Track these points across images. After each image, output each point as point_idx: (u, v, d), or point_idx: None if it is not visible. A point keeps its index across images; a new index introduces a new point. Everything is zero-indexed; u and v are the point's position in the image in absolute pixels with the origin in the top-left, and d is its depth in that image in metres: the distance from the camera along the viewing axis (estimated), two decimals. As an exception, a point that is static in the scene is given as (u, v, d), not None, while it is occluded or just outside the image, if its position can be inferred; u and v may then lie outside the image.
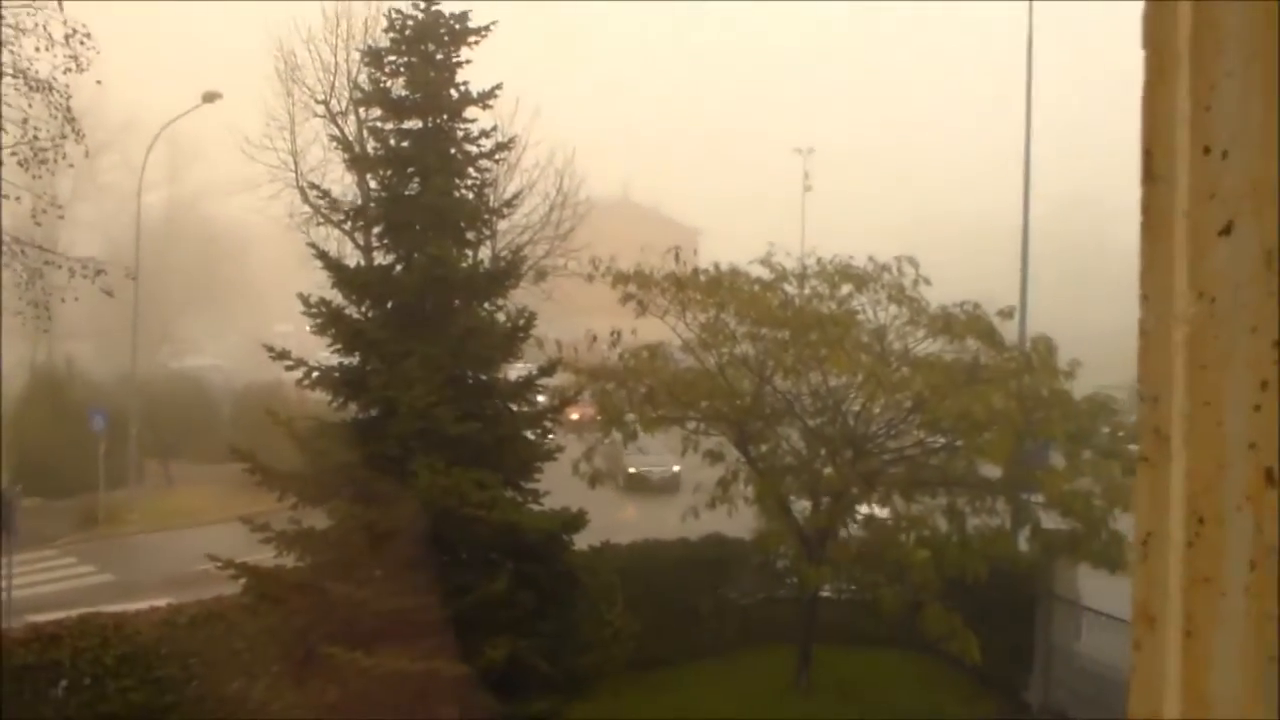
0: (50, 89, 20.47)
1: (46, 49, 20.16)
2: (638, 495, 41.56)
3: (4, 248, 20.79)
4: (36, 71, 20.44)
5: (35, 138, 20.67)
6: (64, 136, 21.16)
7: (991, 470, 23.87)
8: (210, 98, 45.41)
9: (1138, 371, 1.43)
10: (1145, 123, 1.38)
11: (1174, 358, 1.34)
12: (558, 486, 19.58)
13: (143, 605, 21.57)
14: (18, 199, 21.05)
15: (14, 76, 20.27)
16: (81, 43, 20.31)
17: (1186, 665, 1.35)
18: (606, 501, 25.00)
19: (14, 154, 20.58)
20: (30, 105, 20.52)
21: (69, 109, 21.01)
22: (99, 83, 21.57)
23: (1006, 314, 25.03)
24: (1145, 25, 1.37)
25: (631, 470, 44.77)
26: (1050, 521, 23.87)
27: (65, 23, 20.17)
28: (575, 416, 28.07)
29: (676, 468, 38.10)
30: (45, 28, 20.09)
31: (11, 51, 20.18)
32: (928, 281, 24.58)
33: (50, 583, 34.03)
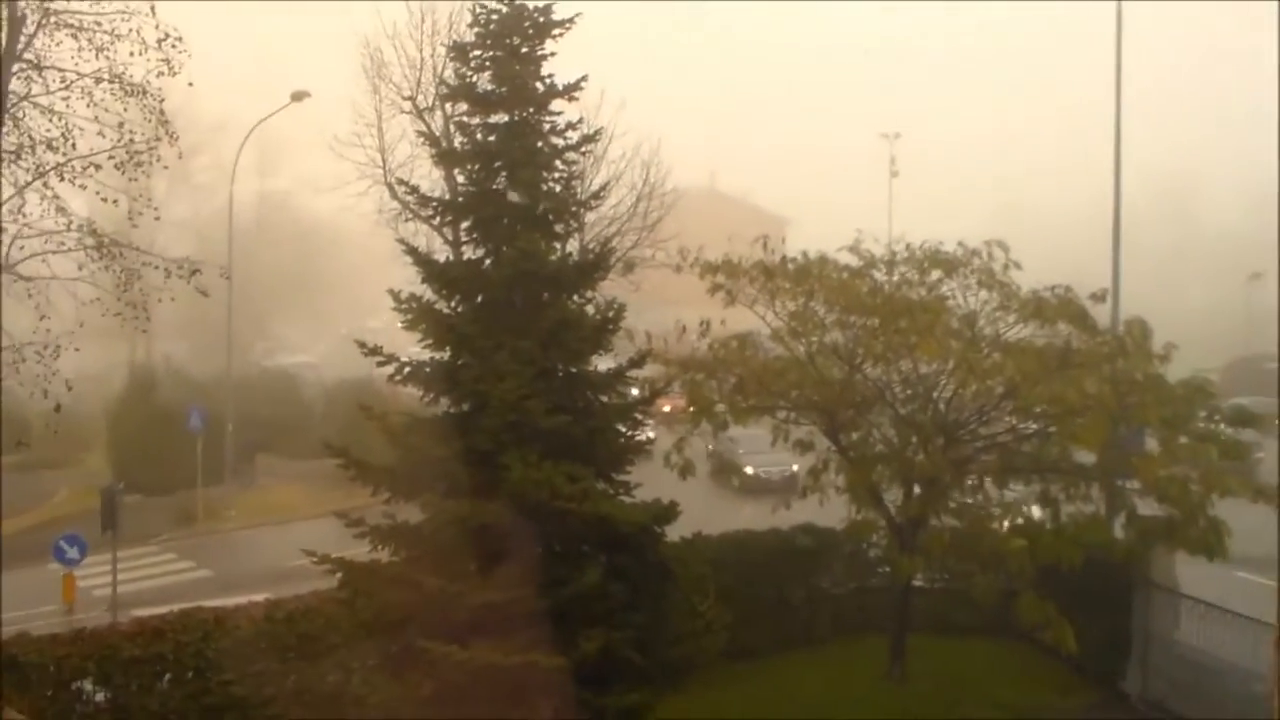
0: (144, 93, 20.81)
1: (141, 54, 20.48)
2: (754, 497, 40.20)
3: (103, 250, 21.13)
4: (131, 76, 20.78)
5: (131, 141, 21.02)
6: (158, 139, 21.50)
7: (1086, 456, 23.58)
8: (299, 97, 46.01)
9: None
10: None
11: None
12: (650, 480, 19.60)
13: (241, 600, 21.97)
14: (115, 202, 21.41)
15: (110, 81, 20.61)
16: (174, 46, 20.61)
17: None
18: (699, 494, 24.94)
19: (111, 158, 20.95)
20: (125, 109, 20.85)
21: (162, 112, 21.35)
22: (191, 85, 21.88)
23: (1099, 297, 24.69)
24: None
25: (749, 471, 44.56)
26: (1146, 508, 23.54)
27: (158, 27, 20.48)
28: (667, 409, 28.06)
29: (795, 467, 36.31)
30: (139, 32, 20.40)
31: (107, 57, 20.50)
32: (1018, 266, 24.32)
33: (151, 578, 34.75)
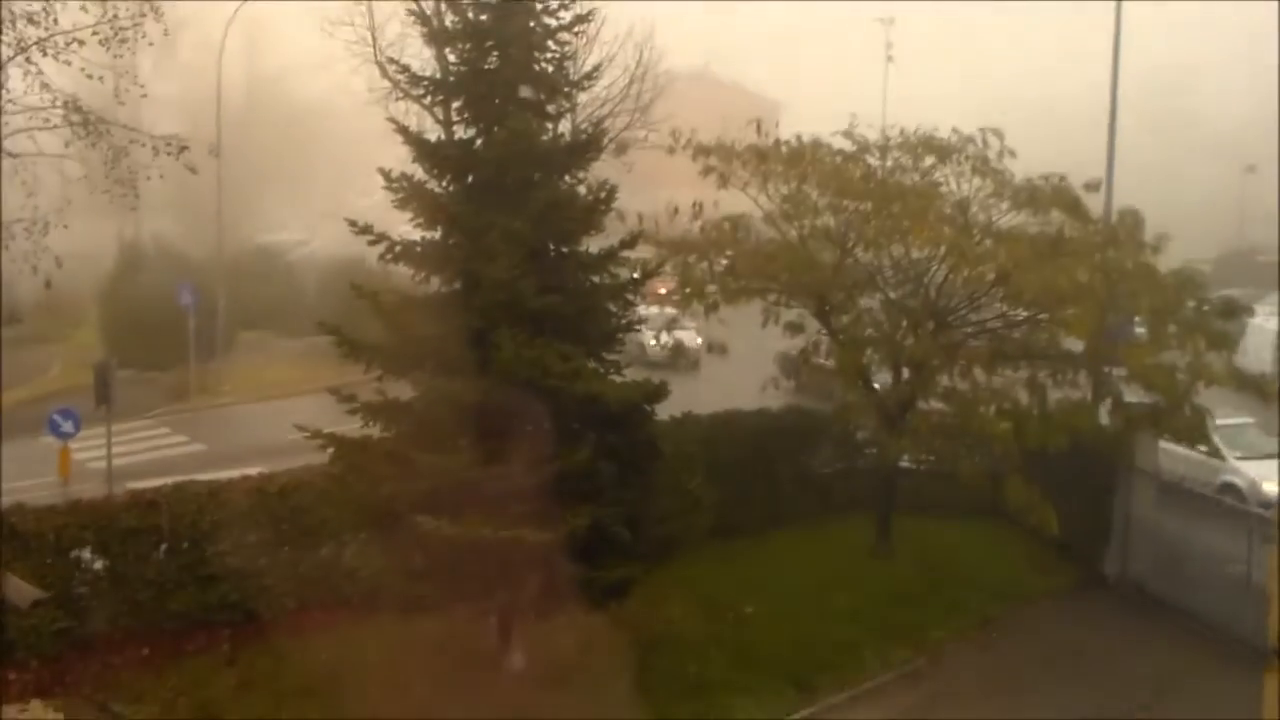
0: (126, -33, 20.52)
1: (125, -75, 20.20)
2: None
3: (90, 127, 20.94)
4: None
5: (115, 16, 20.76)
6: (143, 15, 21.23)
7: (1074, 344, 23.75)
8: (288, -28, 45.30)
9: None
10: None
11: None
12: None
13: (235, 474, 22.13)
14: (100, 79, 21.20)
15: (93, -44, 20.33)
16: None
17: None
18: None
19: (95, 33, 20.70)
20: (109, -18, 20.60)
21: (145, -15, 21.07)
22: (179, -41, 21.58)
23: (1093, 186, 24.72)
24: None
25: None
26: (1132, 395, 23.79)
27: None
28: (662, 291, 28.01)
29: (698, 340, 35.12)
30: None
31: (89, -67, 20.21)
32: (1013, 154, 24.28)
33: (146, 452, 34.95)
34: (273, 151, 67.38)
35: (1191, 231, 28.35)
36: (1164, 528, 24.12)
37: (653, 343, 32.72)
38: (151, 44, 23.13)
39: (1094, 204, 25.02)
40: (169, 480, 21.21)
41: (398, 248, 18.90)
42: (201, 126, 40.81)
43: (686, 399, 23.69)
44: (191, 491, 20.51)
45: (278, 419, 28.06)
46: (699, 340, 34.84)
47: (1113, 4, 30.87)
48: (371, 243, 18.94)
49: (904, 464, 26.07)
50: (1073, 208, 23.86)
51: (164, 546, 20.12)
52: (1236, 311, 24.68)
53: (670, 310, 27.63)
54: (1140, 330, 24.33)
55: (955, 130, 24.64)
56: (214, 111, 44.80)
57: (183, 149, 21.37)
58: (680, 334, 32.54)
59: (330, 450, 18.28)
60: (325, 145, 73.93)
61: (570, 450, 17.40)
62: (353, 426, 18.52)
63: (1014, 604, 23.76)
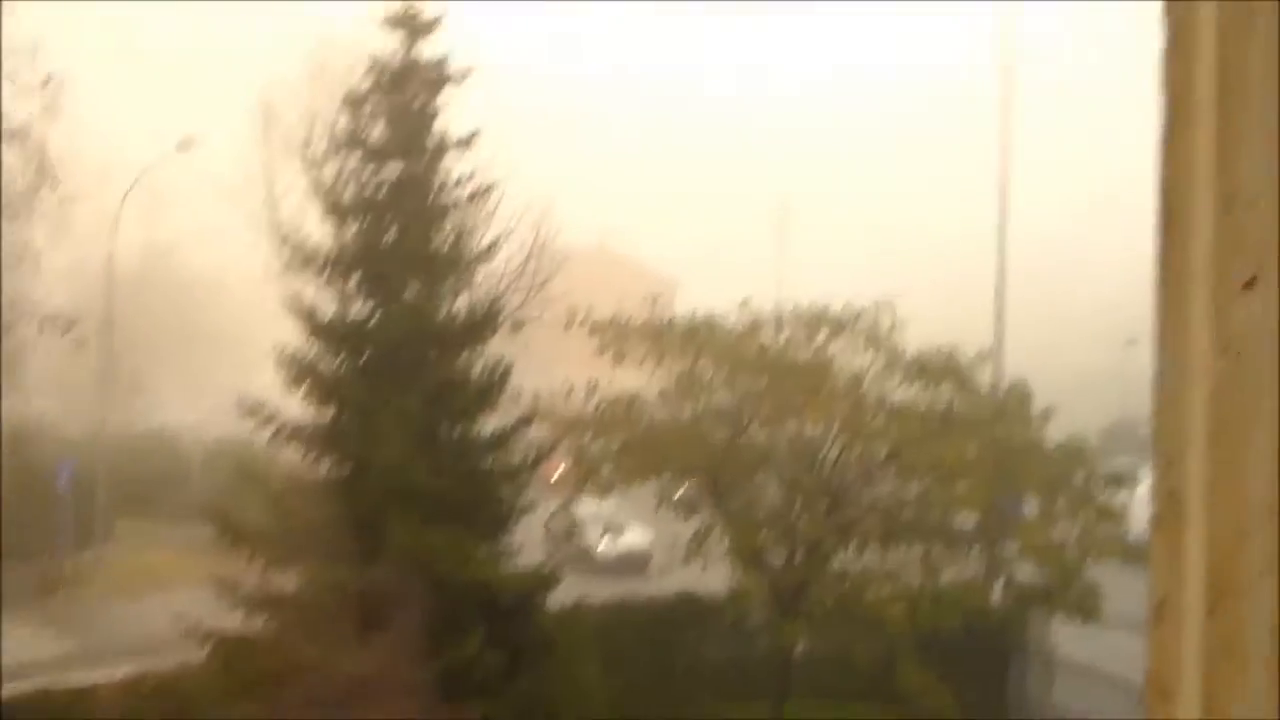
0: (25, 137, 20.38)
1: (22, 96, 20.09)
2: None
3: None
4: (11, 119, 20.34)
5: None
6: (39, 185, 21.06)
7: (966, 520, 23.83)
8: (186, 145, 45.26)
9: (1153, 430, 1.37)
10: (1164, 173, 1.32)
11: (1193, 417, 1.28)
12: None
13: (105, 674, 21.08)
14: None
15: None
16: (57, 90, 20.24)
17: (1205, 741, 1.28)
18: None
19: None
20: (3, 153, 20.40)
21: (44, 157, 20.90)
22: (74, 131, 21.48)
23: (982, 358, 25.08)
24: (1164, 71, 1.32)
25: (602, 549, 36.11)
26: (1025, 573, 23.85)
27: (41, 70, 20.10)
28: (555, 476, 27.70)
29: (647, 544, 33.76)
30: (18, 76, 20.02)
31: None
32: (904, 326, 24.58)
33: (9, 651, 33.37)
34: (164, 326, 66.65)
35: (1077, 404, 28.86)
36: (1064, 708, 24.00)
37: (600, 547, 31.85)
38: (46, 215, 22.90)
39: (985, 375, 25.37)
40: (32, 682, 20.05)
41: (288, 429, 18.59)
42: (93, 299, 40.33)
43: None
44: (50, 700, 19.34)
45: (156, 612, 27.09)
46: (648, 540, 33.56)
47: (997, 173, 31.91)
48: (261, 425, 18.62)
49: (799, 648, 25.76)
50: (962, 382, 24.15)
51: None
52: (1124, 483, 25.00)
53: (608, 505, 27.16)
54: (1030, 505, 24.51)
55: (848, 304, 24.96)
56: (106, 284, 44.24)
57: (71, 325, 21.01)
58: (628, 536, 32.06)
59: (209, 646, 17.63)
60: (218, 320, 73.33)
61: (461, 640, 16.96)
62: (235, 619, 17.91)
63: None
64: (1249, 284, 1.23)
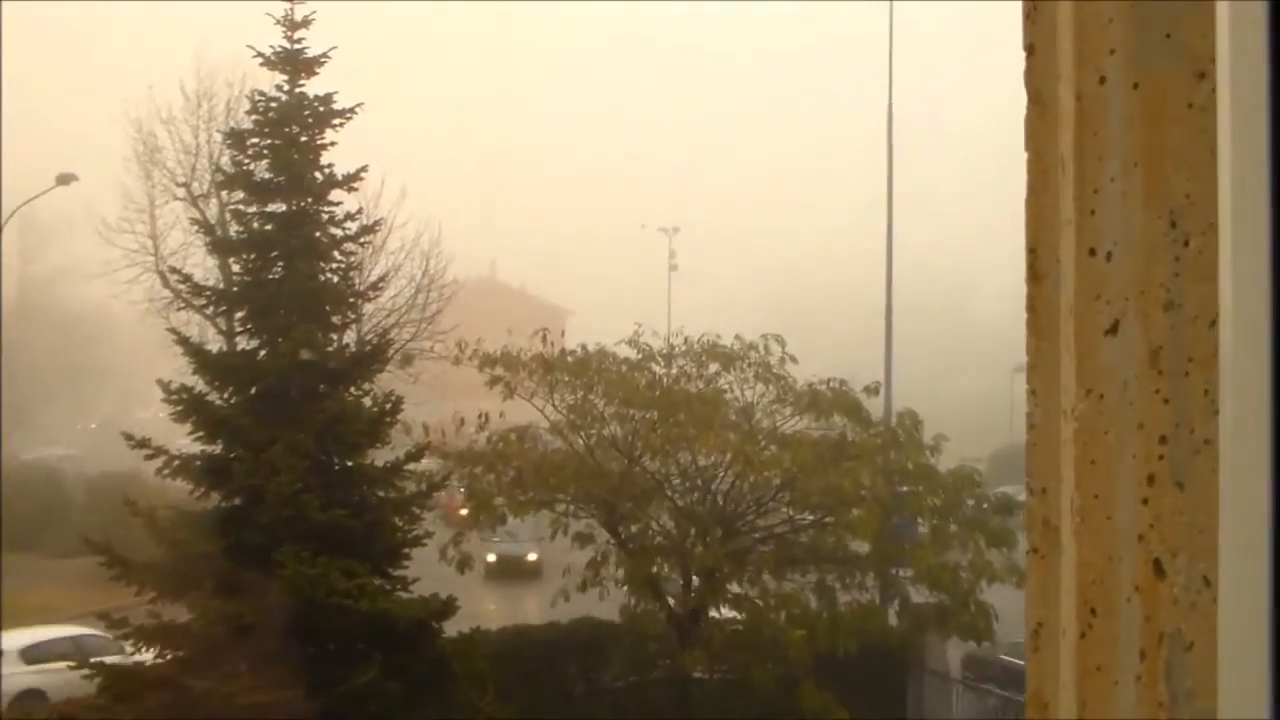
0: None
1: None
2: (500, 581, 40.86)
3: None
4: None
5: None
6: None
7: (860, 546, 24.10)
8: (65, 179, 44.44)
9: (1026, 464, 1.46)
10: (1030, 224, 1.42)
11: (1062, 451, 1.37)
12: (426, 573, 19.34)
13: (-6, 709, 20.74)
14: None
15: None
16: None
17: (1080, 754, 1.36)
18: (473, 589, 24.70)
19: None
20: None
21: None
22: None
23: (873, 390, 25.44)
24: (1028, 130, 1.41)
25: (491, 558, 41.75)
26: (919, 595, 24.16)
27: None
28: (458, 511, 27.72)
29: (533, 556, 37.21)
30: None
31: None
32: (794, 359, 24.87)
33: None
34: (48, 359, 65.42)
35: (966, 431, 29.37)
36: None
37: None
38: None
39: (875, 407, 25.73)
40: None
41: (176, 462, 18.36)
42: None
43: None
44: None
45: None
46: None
47: (884, 206, 32.43)
48: (149, 457, 18.38)
49: (697, 674, 25.83)
50: (854, 412, 24.46)
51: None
52: (1013, 508, 25.44)
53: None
54: (923, 530, 24.85)
55: (738, 337, 25.21)
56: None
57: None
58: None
59: (98, 680, 17.33)
60: (102, 354, 72.20)
61: (356, 670, 16.84)
62: (124, 655, 17.62)
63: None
64: (1110, 329, 1.32)
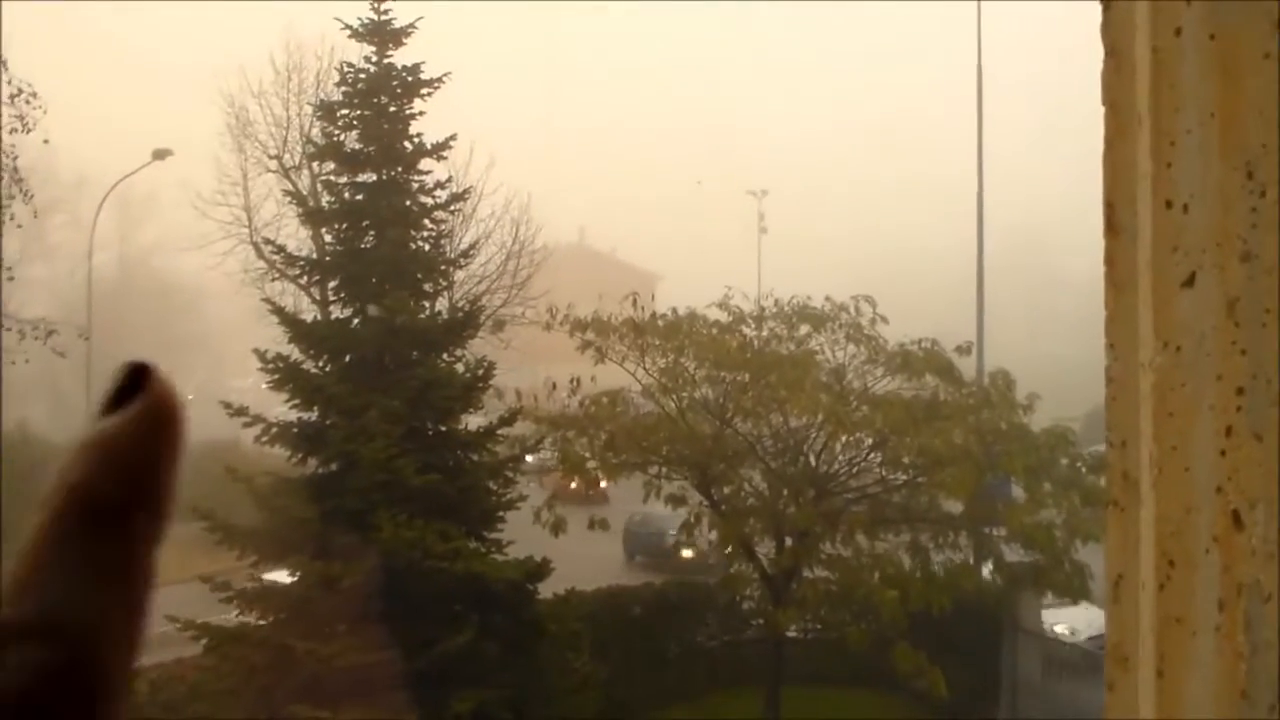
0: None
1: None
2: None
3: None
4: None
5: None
6: (11, 197, 21.00)
7: (953, 505, 23.97)
8: (161, 155, 45.15)
9: (1105, 417, 1.46)
10: (1107, 177, 1.41)
11: (1141, 405, 1.37)
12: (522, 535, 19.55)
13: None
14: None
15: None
16: (28, 102, 20.22)
17: (1160, 705, 1.37)
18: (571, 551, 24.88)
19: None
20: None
21: (15, 169, 20.85)
22: (46, 142, 21.43)
23: (964, 350, 25.22)
24: (1104, 83, 1.41)
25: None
26: (1013, 554, 23.99)
27: (10, 82, 20.07)
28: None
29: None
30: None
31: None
32: (885, 320, 24.73)
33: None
34: (145, 332, 66.65)
35: (1059, 390, 29.05)
36: (1054, 687, 24.17)
37: None
38: (20, 226, 22.83)
39: (966, 367, 25.51)
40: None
41: (274, 429, 18.68)
42: (72, 308, 40.28)
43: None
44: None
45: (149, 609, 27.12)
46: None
47: (974, 164, 32.05)
48: (247, 425, 18.71)
49: (791, 634, 25.89)
50: (946, 371, 24.29)
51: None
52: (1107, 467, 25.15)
53: None
54: (1017, 489, 24.65)
55: (828, 299, 25.10)
56: (84, 293, 44.16)
57: (50, 332, 21.01)
58: None
59: (203, 641, 17.74)
60: (199, 325, 73.47)
61: (452, 632, 17.08)
62: (227, 616, 18.00)
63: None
64: (1187, 282, 1.32)
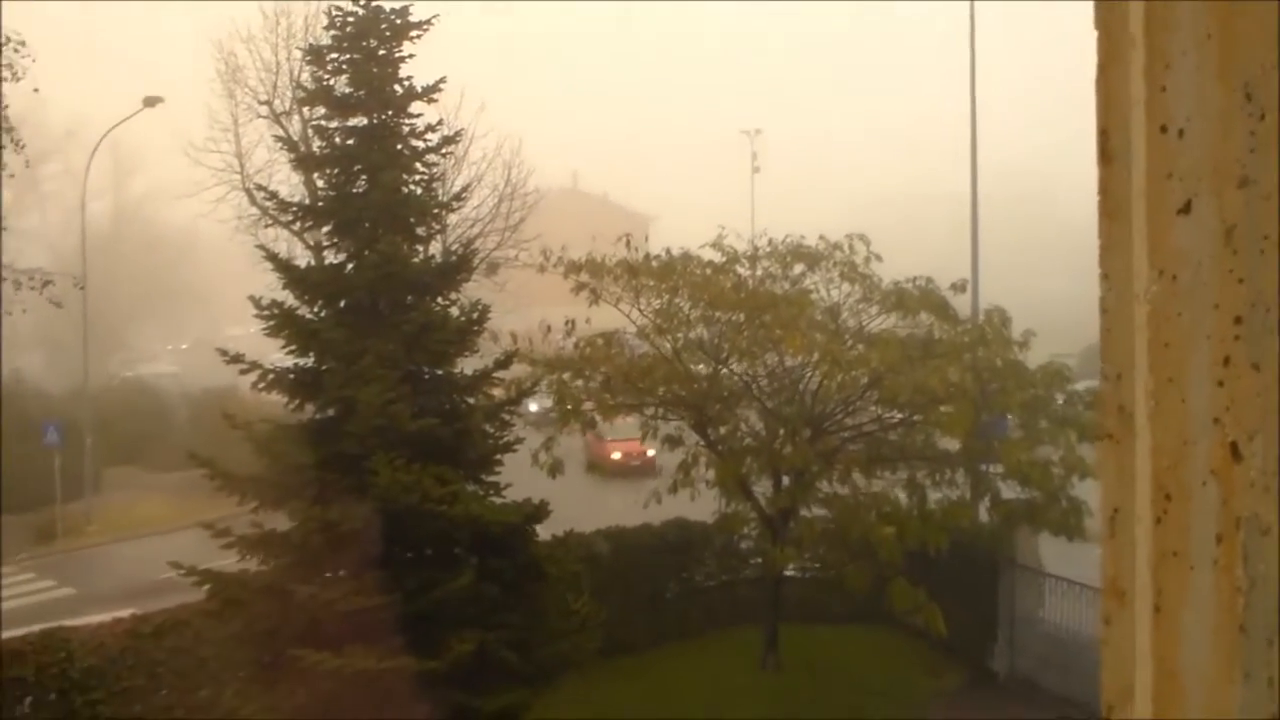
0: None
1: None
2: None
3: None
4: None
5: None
6: (1, 146, 20.89)
7: (950, 443, 24.03)
8: (151, 102, 44.87)
9: (1100, 349, 1.44)
10: (1100, 103, 1.38)
11: (1136, 336, 1.35)
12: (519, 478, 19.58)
13: (106, 617, 21.38)
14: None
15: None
16: (16, 50, 20.07)
17: (1157, 639, 1.35)
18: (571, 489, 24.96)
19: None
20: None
21: (6, 118, 20.74)
22: (36, 90, 21.30)
23: (959, 287, 25.23)
24: (1097, 8, 1.38)
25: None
26: (1010, 491, 24.07)
27: (-2, 31, 19.91)
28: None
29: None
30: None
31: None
32: (879, 258, 24.71)
33: (10, 599, 33.65)
34: (140, 281, 66.55)
35: (1055, 327, 29.04)
36: (1049, 620, 24.33)
37: None
38: (12, 175, 22.71)
39: (961, 304, 25.50)
40: (35, 628, 20.37)
41: (270, 376, 18.66)
42: (66, 257, 40.18)
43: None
44: (59, 638, 19.69)
45: (150, 557, 27.26)
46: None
47: (968, 103, 31.89)
48: (243, 372, 18.68)
49: (789, 572, 26.03)
50: (941, 309, 24.29)
51: (29, 699, 19.22)
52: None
53: None
54: (1013, 426, 24.69)
55: (823, 238, 25.05)
56: (78, 242, 44.04)
57: (46, 282, 20.97)
58: None
59: (207, 587, 17.82)
60: (194, 273, 73.35)
61: (452, 574, 17.13)
62: (229, 561, 18.07)
63: (905, 706, 23.71)
64: (1183, 209, 1.29)
